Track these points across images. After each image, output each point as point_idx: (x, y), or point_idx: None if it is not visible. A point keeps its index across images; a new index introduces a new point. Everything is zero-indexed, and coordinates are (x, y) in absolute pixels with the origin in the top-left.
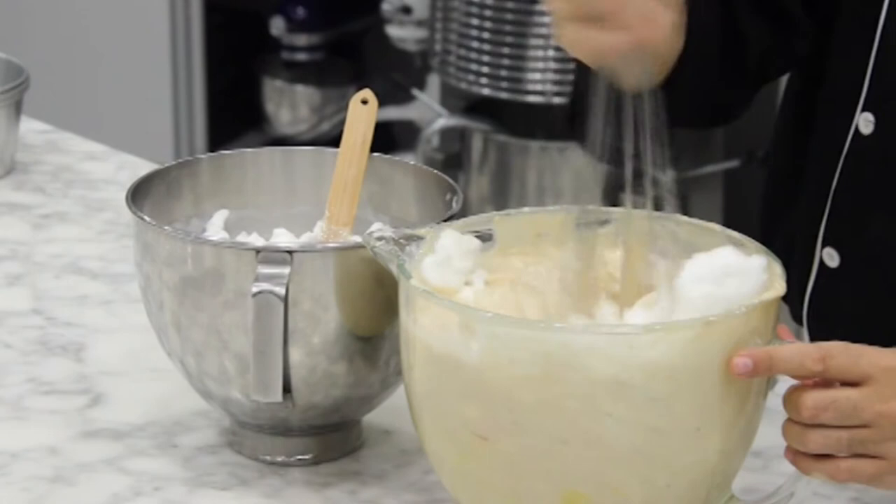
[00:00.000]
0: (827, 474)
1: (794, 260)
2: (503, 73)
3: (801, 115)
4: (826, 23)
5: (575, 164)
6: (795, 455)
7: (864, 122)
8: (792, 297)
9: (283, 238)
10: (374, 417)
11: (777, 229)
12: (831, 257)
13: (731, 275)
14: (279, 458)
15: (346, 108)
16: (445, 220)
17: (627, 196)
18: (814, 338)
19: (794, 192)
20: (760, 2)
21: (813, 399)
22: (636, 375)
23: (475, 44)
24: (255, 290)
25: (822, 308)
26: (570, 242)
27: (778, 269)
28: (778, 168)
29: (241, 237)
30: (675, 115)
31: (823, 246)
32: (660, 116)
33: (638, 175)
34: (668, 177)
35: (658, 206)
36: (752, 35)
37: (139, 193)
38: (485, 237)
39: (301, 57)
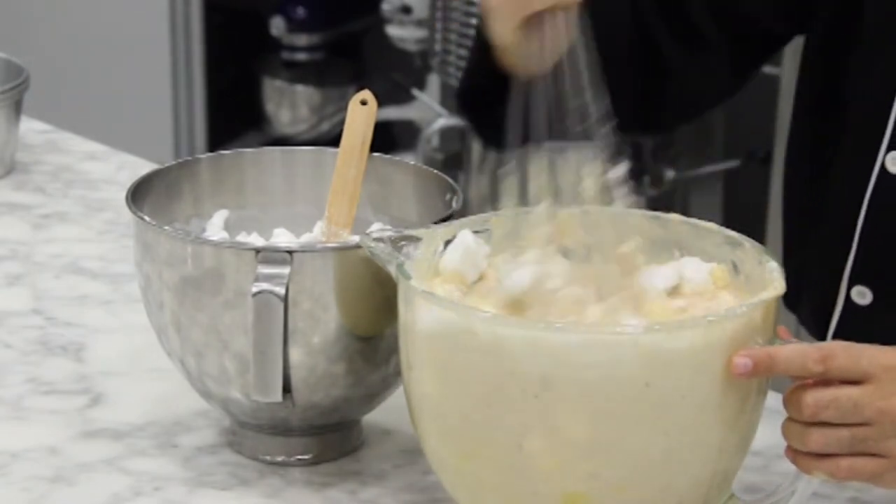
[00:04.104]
0: (828, 473)
1: (811, 294)
2: None
3: (815, 151)
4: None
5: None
6: (796, 454)
7: (892, 161)
8: (812, 332)
9: (283, 238)
10: (374, 417)
11: (794, 255)
12: (862, 295)
13: None
14: (279, 458)
15: (346, 108)
16: (445, 220)
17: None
18: None
19: (812, 226)
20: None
21: (814, 397)
22: (636, 375)
23: None
24: (255, 290)
25: None
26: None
27: (777, 269)
28: (792, 201)
29: (241, 237)
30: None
31: (852, 284)
32: (595, 68)
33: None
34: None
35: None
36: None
37: (139, 193)
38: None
39: (301, 57)
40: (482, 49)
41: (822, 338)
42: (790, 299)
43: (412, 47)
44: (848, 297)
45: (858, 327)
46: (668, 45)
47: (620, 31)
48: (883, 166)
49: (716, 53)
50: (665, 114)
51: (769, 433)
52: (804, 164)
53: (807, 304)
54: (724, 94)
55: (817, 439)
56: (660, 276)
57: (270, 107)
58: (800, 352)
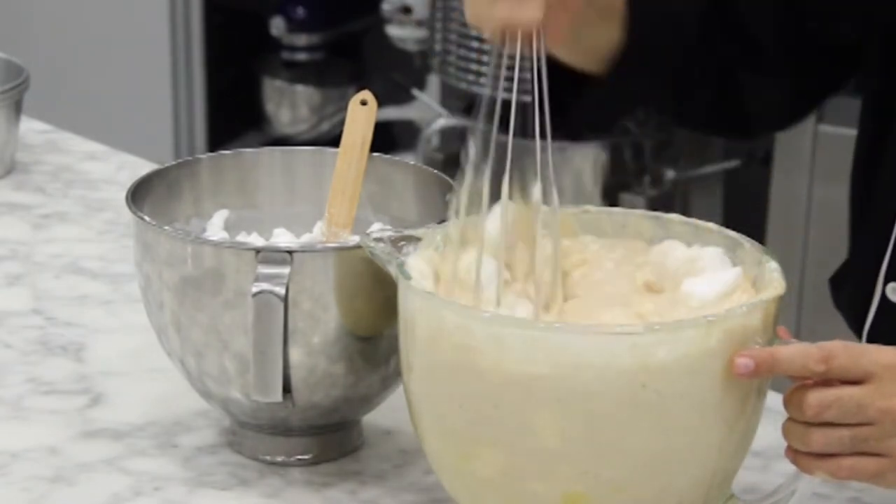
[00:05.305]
0: (829, 473)
1: (852, 291)
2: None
3: (872, 147)
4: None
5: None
6: (797, 455)
7: None
8: (852, 329)
9: (283, 238)
10: (374, 417)
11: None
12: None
13: None
14: (279, 458)
15: (346, 108)
16: (445, 220)
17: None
18: None
19: (859, 221)
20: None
21: (817, 397)
22: (637, 375)
23: (475, 44)
24: (255, 290)
25: (883, 343)
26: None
27: (777, 269)
28: (852, 197)
29: (241, 237)
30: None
31: (887, 281)
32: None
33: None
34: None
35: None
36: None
37: (139, 193)
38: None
39: (301, 57)
40: None
41: (859, 336)
42: (835, 299)
43: (412, 47)
44: (883, 294)
45: (892, 325)
46: (728, 54)
47: (686, 36)
48: None
49: (776, 68)
50: (740, 119)
51: (769, 433)
52: (861, 164)
53: (847, 302)
54: (790, 115)
55: (818, 439)
56: (716, 281)
57: (270, 107)
58: (801, 352)
